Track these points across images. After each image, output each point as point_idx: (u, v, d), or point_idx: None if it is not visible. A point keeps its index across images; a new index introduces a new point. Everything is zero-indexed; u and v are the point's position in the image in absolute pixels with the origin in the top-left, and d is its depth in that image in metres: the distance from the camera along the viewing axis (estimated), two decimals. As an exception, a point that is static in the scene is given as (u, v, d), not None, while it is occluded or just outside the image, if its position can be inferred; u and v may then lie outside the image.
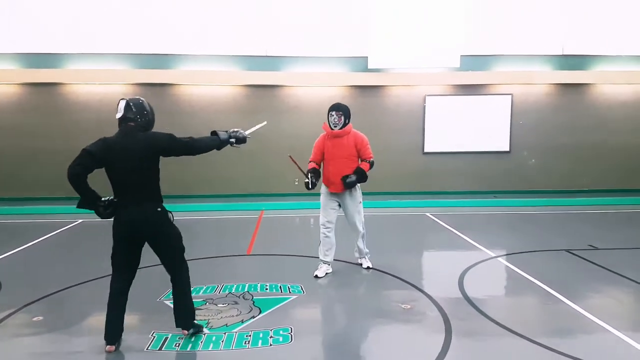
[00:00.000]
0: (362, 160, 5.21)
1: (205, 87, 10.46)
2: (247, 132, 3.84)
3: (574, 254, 6.12)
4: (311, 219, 8.79)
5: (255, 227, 7.91)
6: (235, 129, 3.74)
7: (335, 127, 5.14)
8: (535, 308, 4.47)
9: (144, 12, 10.19)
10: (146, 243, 3.58)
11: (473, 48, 10.67)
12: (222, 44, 10.41)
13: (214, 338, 3.73)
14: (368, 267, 5.49)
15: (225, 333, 3.82)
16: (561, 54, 10.93)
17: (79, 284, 5.11)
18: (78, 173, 3.24)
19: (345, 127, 5.16)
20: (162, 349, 3.56)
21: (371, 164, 5.24)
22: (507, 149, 11.07)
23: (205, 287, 4.89)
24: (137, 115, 3.46)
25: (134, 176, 3.39)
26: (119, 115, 3.47)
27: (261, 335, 3.77)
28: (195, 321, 3.80)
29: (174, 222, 3.64)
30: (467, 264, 5.72)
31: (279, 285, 4.94)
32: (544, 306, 4.45)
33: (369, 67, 10.39)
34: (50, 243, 6.96)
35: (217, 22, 10.36)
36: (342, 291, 4.86)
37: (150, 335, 3.77)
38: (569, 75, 10.84)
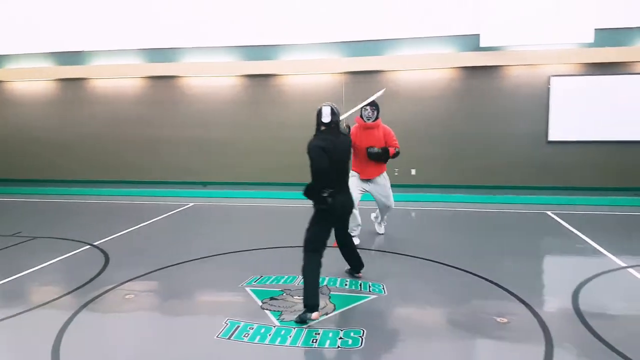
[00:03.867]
0: (390, 147, 5.92)
1: (306, 75, 10.42)
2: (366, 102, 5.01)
3: None
4: (412, 212, 8.32)
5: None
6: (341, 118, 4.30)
7: (368, 120, 5.83)
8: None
9: (251, 5, 10.45)
10: None
11: (609, 20, 9.09)
12: (320, 30, 10.25)
13: (282, 332, 3.60)
14: (382, 233, 6.58)
15: (295, 328, 3.67)
16: None
17: (178, 263, 5.36)
18: (327, 167, 3.92)
19: (377, 120, 5.86)
20: (231, 338, 3.52)
21: (397, 152, 5.94)
22: (651, 137, 9.35)
23: (286, 277, 4.81)
24: (337, 118, 4.16)
25: (342, 168, 4.18)
26: (327, 119, 4.09)
27: (330, 334, 3.55)
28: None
29: None
30: (587, 274, 4.86)
31: (359, 282, 4.66)
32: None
33: (481, 45, 9.43)
34: (162, 224, 7.51)
35: (315, 8, 10.23)
36: (429, 296, 4.40)
37: (224, 322, 3.76)
38: None
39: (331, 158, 3.96)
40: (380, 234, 6.58)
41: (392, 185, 10.22)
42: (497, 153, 9.94)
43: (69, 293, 4.49)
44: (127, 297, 4.38)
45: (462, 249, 5.86)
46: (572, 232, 6.66)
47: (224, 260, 5.52)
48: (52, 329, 3.65)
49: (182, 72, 10.81)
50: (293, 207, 8.71)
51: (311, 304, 3.81)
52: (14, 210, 8.90)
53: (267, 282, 4.69)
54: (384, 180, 6.05)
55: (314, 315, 3.79)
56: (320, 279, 4.63)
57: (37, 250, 5.96)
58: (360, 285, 4.58)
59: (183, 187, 10.72)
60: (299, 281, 4.68)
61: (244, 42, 10.53)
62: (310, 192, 3.98)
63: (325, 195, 3.94)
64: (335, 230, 4.42)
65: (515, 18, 9.20)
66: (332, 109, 4.10)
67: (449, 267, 5.12)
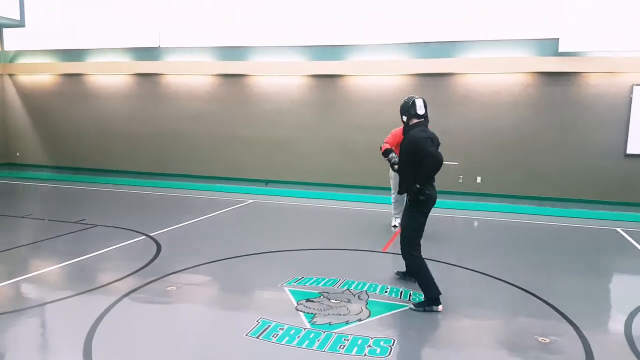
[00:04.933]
0: None
1: (371, 77, 10.30)
2: None
3: None
4: (475, 221, 7.96)
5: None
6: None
7: None
8: None
9: (315, 5, 10.51)
10: None
11: None
12: (386, 32, 10.07)
13: (312, 335, 3.55)
14: (395, 226, 6.91)
15: (324, 332, 3.60)
16: None
17: (226, 258, 5.47)
18: (442, 158, 3.96)
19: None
20: (260, 337, 3.52)
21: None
22: None
23: (327, 279, 4.76)
24: (428, 111, 4.24)
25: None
26: (422, 111, 4.16)
27: (359, 341, 3.45)
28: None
29: None
30: (650, 299, 4.39)
31: (400, 290, 4.50)
32: None
33: (560, 50, 8.82)
34: (219, 219, 7.73)
35: (380, 10, 10.08)
36: (471, 309, 4.17)
37: (256, 321, 3.77)
38: None
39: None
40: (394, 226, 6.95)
41: (455, 193, 10.13)
42: (571, 164, 9.25)
43: (116, 281, 4.69)
44: (168, 288, 4.52)
45: (519, 264, 5.52)
46: (643, 252, 6.06)
47: (271, 258, 5.56)
48: (92, 315, 3.82)
49: (253, 70, 11.07)
50: (348, 209, 8.65)
51: (432, 297, 4.00)
52: (81, 199, 9.53)
53: (307, 284, 4.66)
54: None
55: (440, 307, 3.98)
56: (361, 284, 4.58)
57: (96, 238, 6.33)
58: (401, 293, 4.43)
59: (246, 184, 11.00)
60: (339, 285, 4.62)
61: (314, 42, 10.61)
62: (420, 184, 3.99)
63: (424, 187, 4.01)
64: None
65: (597, 22, 8.53)
66: (424, 101, 4.19)
67: (500, 281, 4.83)
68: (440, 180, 9.60)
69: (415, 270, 4.15)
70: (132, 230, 6.66)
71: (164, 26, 11.66)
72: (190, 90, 11.66)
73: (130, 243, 6.08)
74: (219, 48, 11.31)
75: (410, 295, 4.36)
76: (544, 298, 4.34)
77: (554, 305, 4.17)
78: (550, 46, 9.08)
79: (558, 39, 8.86)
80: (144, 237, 6.36)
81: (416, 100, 4.16)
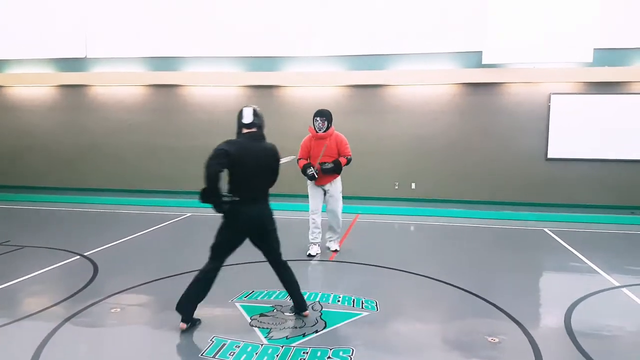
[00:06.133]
0: (341, 156, 5.96)
1: (309, 88, 10.43)
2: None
3: None
4: (411, 226, 8.24)
5: (345, 231, 7.59)
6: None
7: (319, 130, 5.89)
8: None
9: (255, 16, 10.48)
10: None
11: (609, 40, 9.17)
12: (326, 44, 10.28)
13: (270, 350, 3.50)
14: (336, 250, 6.26)
15: (282, 346, 3.57)
16: None
17: (169, 276, 5.26)
18: (218, 171, 3.56)
19: (329, 130, 5.91)
20: (216, 356, 3.41)
21: (348, 160, 6.01)
22: (649, 157, 9.31)
23: (278, 292, 4.71)
24: (261, 121, 3.87)
25: (258, 177, 3.78)
26: (247, 120, 3.80)
27: (319, 353, 3.45)
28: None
29: None
30: (581, 293, 4.79)
31: (352, 298, 4.56)
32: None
33: (483, 62, 9.47)
34: (156, 234, 7.42)
35: (320, 23, 10.26)
36: (421, 313, 4.32)
37: (210, 340, 3.66)
38: None
39: (241, 164, 3.64)
40: (335, 250, 6.28)
41: (392, 199, 10.46)
42: (497, 169, 9.91)
43: (53, 305, 4.38)
44: (112, 310, 4.27)
45: (458, 266, 5.79)
46: (569, 250, 6.58)
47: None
48: (33, 343, 3.54)
49: (186, 81, 10.79)
50: (293, 219, 8.64)
51: (180, 309, 3.83)
52: (2, 218, 8.80)
53: (259, 298, 4.60)
54: (337, 182, 6.12)
55: (183, 325, 3.80)
56: (313, 295, 4.58)
57: (24, 260, 5.86)
58: (353, 301, 4.49)
59: (182, 196, 10.65)
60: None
61: (250, 53, 10.54)
62: (204, 195, 3.60)
63: (224, 200, 3.64)
64: (262, 252, 4.06)
65: (517, 36, 9.25)
66: (254, 111, 3.83)
67: (444, 284, 5.03)
68: (377, 187, 10.13)
69: (194, 278, 3.88)
70: (65, 250, 6.23)
71: (91, 36, 11.10)
72: (119, 101, 11.17)
73: (65, 264, 5.68)
74: (150, 58, 10.95)
75: (362, 303, 4.44)
76: (487, 298, 4.58)
77: (497, 304, 4.42)
78: (474, 58, 9.69)
79: (481, 51, 9.49)
80: (78, 256, 5.97)
81: (244, 109, 3.82)
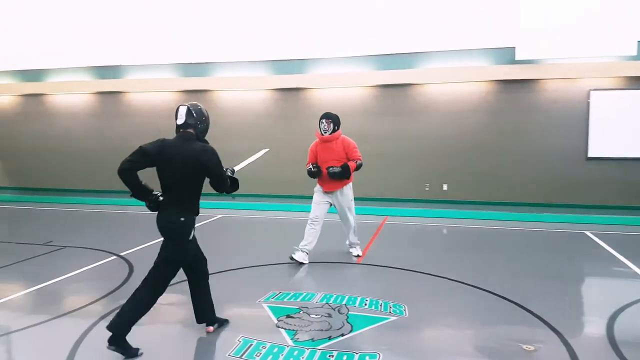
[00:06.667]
0: (350, 161, 5.67)
1: (335, 89, 10.40)
2: (247, 161, 4.28)
3: None
4: (444, 229, 8.08)
5: (373, 234, 7.52)
6: (225, 167, 3.75)
7: (325, 133, 5.67)
8: None
9: (280, 19, 10.54)
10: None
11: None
12: (352, 44, 10.22)
13: (295, 352, 3.50)
14: (358, 255, 6.01)
15: (308, 349, 3.56)
16: None
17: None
18: (126, 168, 3.39)
19: (335, 133, 5.67)
20: (243, 356, 3.45)
21: (358, 165, 5.69)
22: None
23: (305, 294, 4.72)
24: (197, 122, 3.54)
25: (176, 181, 3.46)
26: (180, 121, 3.53)
27: (345, 357, 3.42)
28: (127, 343, 3.43)
29: (191, 238, 3.63)
30: (626, 300, 4.55)
31: (380, 302, 4.51)
32: None
33: (517, 58, 9.18)
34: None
35: (345, 23, 10.21)
36: (453, 319, 4.22)
37: (237, 340, 3.70)
38: None
39: (160, 166, 3.45)
40: (355, 256, 6.08)
41: (422, 201, 10.30)
42: (534, 170, 9.59)
43: (91, 303, 4.55)
44: (146, 309, 4.39)
45: (492, 270, 5.62)
46: (612, 253, 6.28)
47: (245, 274, 5.49)
48: (71, 339, 3.69)
49: (215, 86, 10.98)
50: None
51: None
52: (46, 220, 9.20)
53: (285, 299, 4.62)
54: (348, 190, 5.83)
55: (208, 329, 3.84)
56: (340, 298, 4.57)
57: (65, 260, 6.11)
58: (381, 305, 4.43)
59: (212, 198, 10.81)
60: (317, 299, 4.59)
61: (277, 56, 10.61)
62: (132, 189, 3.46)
63: (149, 199, 3.51)
64: None
65: (551, 30, 8.91)
66: (189, 110, 3.50)
67: (477, 289, 4.90)
68: (407, 189, 9.99)
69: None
70: (103, 251, 6.45)
71: (125, 45, 11.44)
72: (152, 107, 11.47)
73: (102, 264, 5.88)
74: (181, 65, 11.22)
75: (390, 308, 4.38)
76: (522, 304, 4.42)
77: (533, 311, 4.25)
78: (507, 54, 9.41)
79: (514, 47, 9.21)
80: (115, 257, 6.18)
81: (179, 108, 3.53)
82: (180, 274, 5.34)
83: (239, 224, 8.62)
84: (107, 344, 3.36)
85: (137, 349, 3.50)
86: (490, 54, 9.56)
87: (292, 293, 4.75)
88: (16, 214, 10.01)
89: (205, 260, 3.93)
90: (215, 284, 5.10)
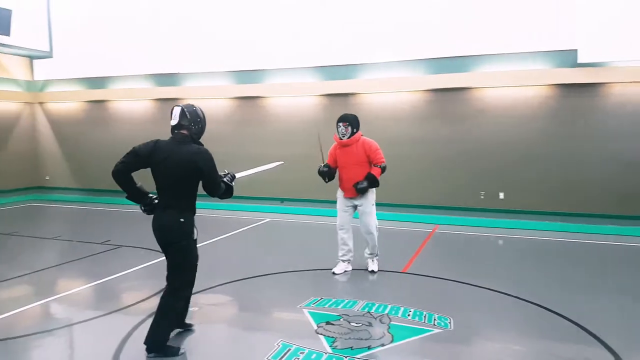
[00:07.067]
0: (373, 165, 5.37)
1: (385, 94, 10.27)
2: (254, 170, 4.34)
3: None
4: (499, 240, 7.74)
5: (422, 242, 7.33)
6: (227, 172, 3.80)
7: (343, 137, 5.42)
8: None
9: (330, 24, 10.57)
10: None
11: None
12: (402, 48, 10.03)
13: (333, 360, 3.47)
14: (373, 271, 5.64)
15: (346, 357, 3.51)
16: None
17: (245, 278, 5.47)
18: (119, 170, 3.43)
19: (354, 136, 5.40)
20: (281, 360, 3.46)
21: (382, 169, 5.39)
22: None
23: (346, 302, 4.67)
24: (191, 123, 3.52)
25: (170, 183, 3.46)
26: (173, 122, 3.52)
27: (383, 368, 3.36)
28: (168, 345, 3.54)
29: (195, 239, 3.63)
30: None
31: (424, 313, 4.37)
32: None
33: (579, 61, 8.67)
34: (237, 238, 7.75)
35: (395, 27, 10.05)
36: (500, 334, 4.02)
37: (276, 344, 3.72)
38: None
39: (153, 167, 3.46)
40: (371, 272, 5.68)
41: (476, 209, 9.93)
42: (597, 178, 8.96)
43: (141, 301, 4.74)
44: (191, 309, 4.50)
45: (548, 284, 5.30)
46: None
47: (289, 278, 5.52)
48: (118, 335, 3.87)
49: (266, 92, 11.19)
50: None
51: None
52: (106, 220, 9.70)
53: (326, 305, 4.59)
54: (370, 194, 5.49)
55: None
56: (382, 307, 4.47)
57: (121, 259, 6.42)
58: (425, 317, 4.30)
59: (261, 202, 11.04)
60: (359, 307, 4.52)
61: (327, 62, 10.63)
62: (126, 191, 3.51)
63: (145, 201, 3.54)
64: None
65: (618, 31, 8.34)
66: (183, 111, 3.49)
67: (529, 304, 4.64)
68: (460, 196, 9.67)
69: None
70: (156, 251, 6.69)
71: (182, 53, 11.90)
72: (208, 114, 11.80)
73: (153, 263, 6.12)
74: (234, 72, 11.49)
75: (435, 319, 4.23)
76: (578, 321, 4.14)
77: (589, 329, 3.98)
78: (568, 57, 8.91)
79: (576, 49, 8.71)
80: (166, 257, 6.40)
81: (173, 109, 3.53)
82: (226, 274, 5.47)
83: (287, 228, 8.69)
84: (145, 354, 3.47)
85: (178, 348, 3.59)
86: (551, 57, 9.10)
87: (334, 300, 4.72)
88: (79, 214, 10.65)
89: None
90: (261, 287, 5.21)
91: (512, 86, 9.35)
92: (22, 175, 13.33)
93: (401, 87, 10.07)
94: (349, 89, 10.46)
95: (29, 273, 5.76)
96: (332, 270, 5.62)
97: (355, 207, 5.58)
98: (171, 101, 12.09)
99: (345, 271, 5.64)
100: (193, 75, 11.96)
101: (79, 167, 13.32)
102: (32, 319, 4.40)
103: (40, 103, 13.61)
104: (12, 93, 12.96)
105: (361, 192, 5.34)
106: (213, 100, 11.78)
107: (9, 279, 5.51)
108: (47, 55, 12.75)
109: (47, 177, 13.75)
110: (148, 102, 12.49)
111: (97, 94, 12.80)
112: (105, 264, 6.14)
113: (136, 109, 12.67)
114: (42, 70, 13.56)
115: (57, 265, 6.22)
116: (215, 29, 11.57)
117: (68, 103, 13.34)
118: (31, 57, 13.29)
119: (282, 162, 5.27)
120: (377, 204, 5.64)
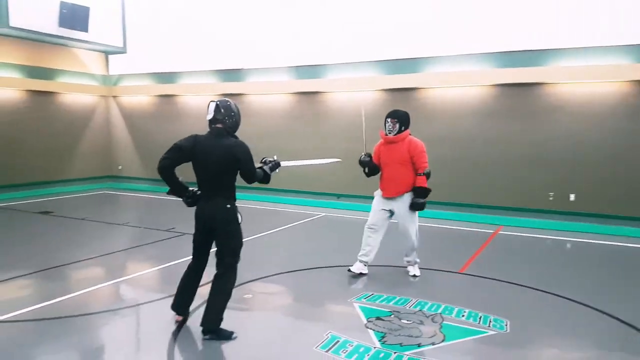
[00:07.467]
0: (417, 174, 5.08)
1: (450, 89, 9.98)
2: (307, 162, 4.42)
3: None
4: (568, 243, 7.31)
5: (483, 243, 7.07)
6: (271, 159, 3.99)
7: (390, 133, 5.17)
8: None
9: (392, 17, 10.41)
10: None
11: None
12: (466, 41, 9.71)
13: (381, 355, 3.45)
14: (414, 275, 5.34)
15: (395, 353, 3.48)
16: None
17: (299, 270, 5.57)
18: (165, 166, 3.59)
19: (401, 134, 5.12)
20: (329, 351, 3.49)
21: (427, 175, 5.10)
22: None
23: (398, 298, 4.61)
24: (225, 117, 3.68)
25: (212, 174, 3.65)
26: (209, 117, 3.69)
27: (432, 366, 3.29)
28: (222, 328, 3.72)
29: (240, 223, 3.81)
30: None
31: (479, 314, 4.23)
32: None
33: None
34: (293, 231, 7.88)
35: (463, 19, 9.74)
36: (557, 340, 3.81)
37: (325, 335, 3.75)
38: None
39: (195, 160, 3.64)
40: (413, 276, 5.39)
41: (544, 211, 9.40)
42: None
43: (201, 286, 4.85)
44: (245, 296, 4.66)
45: (614, 291, 4.99)
46: None
47: (342, 272, 5.51)
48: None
49: (327, 87, 11.25)
50: (424, 225, 8.38)
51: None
52: (173, 209, 10.11)
53: (377, 301, 4.56)
54: (406, 199, 5.14)
55: (176, 317, 4.01)
56: (435, 306, 4.38)
57: (184, 245, 6.68)
58: (480, 318, 4.15)
59: (316, 197, 11.12)
60: (411, 305, 4.46)
61: (389, 56, 10.52)
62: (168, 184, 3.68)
63: (187, 194, 3.71)
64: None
65: None
66: (217, 106, 3.66)
67: (592, 310, 4.37)
68: (527, 197, 9.21)
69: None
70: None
71: (246, 50, 12.20)
72: (270, 108, 12.05)
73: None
74: (294, 67, 11.64)
75: (490, 321, 4.08)
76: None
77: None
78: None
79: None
80: (225, 246, 6.62)
81: (209, 104, 3.71)
82: (280, 265, 5.58)
83: (342, 224, 8.70)
84: (202, 335, 3.69)
85: (232, 332, 3.73)
86: (632, 51, 8.43)
87: (386, 296, 4.68)
88: (147, 202, 11.25)
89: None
90: (314, 279, 5.27)
91: (586, 81, 8.79)
92: (97, 164, 14.35)
93: (468, 82, 9.74)
94: (413, 83, 10.25)
95: (100, 256, 6.18)
96: (349, 268, 5.37)
97: (391, 211, 5.27)
98: (234, 96, 12.47)
99: (361, 273, 5.33)
100: (255, 71, 12.25)
101: (148, 158, 14.07)
102: (101, 298, 4.72)
103: (114, 97, 14.54)
104: (90, 87, 13.94)
105: (420, 208, 5.10)
106: (273, 95, 12.02)
107: (82, 260, 5.94)
108: (122, 50, 13.55)
109: (120, 167, 14.69)
110: (214, 98, 12.95)
111: (166, 89, 13.47)
112: (169, 250, 6.46)
113: (202, 103, 13.15)
114: (117, 65, 14.47)
115: (125, 250, 6.63)
116: (275, 25, 11.80)
117: (139, 97, 14.15)
118: (106, 53, 14.21)
119: (340, 160, 5.22)
120: (439, 203, 5.49)
